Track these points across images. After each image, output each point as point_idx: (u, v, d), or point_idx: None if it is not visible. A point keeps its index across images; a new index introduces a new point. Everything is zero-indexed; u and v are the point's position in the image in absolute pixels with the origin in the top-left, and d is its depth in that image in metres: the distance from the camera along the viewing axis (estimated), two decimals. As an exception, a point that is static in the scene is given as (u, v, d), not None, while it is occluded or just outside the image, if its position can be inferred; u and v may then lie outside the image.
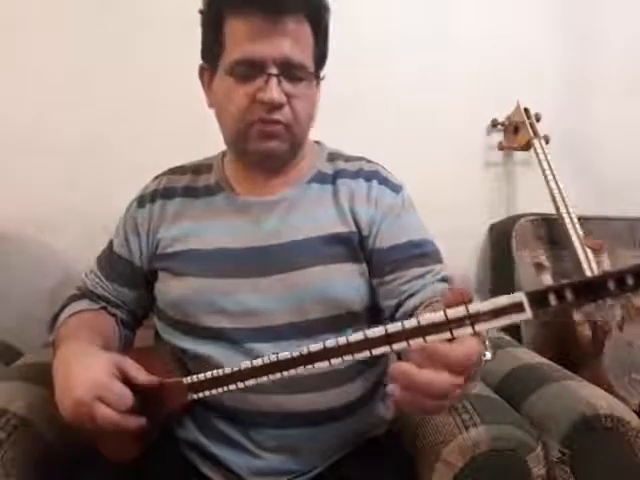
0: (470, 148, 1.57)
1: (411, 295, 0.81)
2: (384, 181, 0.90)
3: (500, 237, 1.51)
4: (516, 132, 1.51)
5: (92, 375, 0.70)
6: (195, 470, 0.85)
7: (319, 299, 0.82)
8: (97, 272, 0.95)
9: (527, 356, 1.14)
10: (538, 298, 0.48)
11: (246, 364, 0.65)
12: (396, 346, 0.54)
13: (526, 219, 1.46)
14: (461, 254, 1.57)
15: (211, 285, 0.83)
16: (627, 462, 0.86)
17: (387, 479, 0.85)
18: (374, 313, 0.87)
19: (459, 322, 0.51)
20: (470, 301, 0.51)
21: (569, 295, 0.47)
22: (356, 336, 0.56)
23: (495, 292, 1.56)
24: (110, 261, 0.95)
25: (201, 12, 0.82)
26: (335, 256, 0.84)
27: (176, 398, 0.75)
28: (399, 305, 0.82)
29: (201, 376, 0.71)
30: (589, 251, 1.29)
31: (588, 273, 1.27)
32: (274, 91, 0.76)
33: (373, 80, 1.48)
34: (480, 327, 0.50)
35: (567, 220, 1.34)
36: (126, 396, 0.71)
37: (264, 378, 0.64)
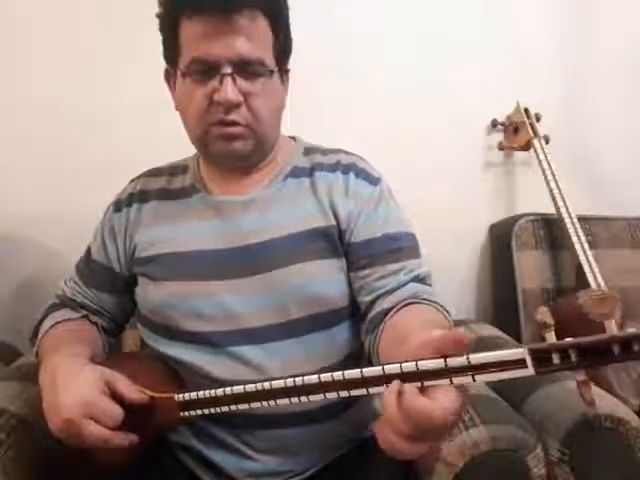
0: (470, 148, 1.57)
1: (385, 293, 0.79)
2: (361, 173, 0.88)
3: (500, 237, 1.51)
4: (516, 132, 1.51)
5: (80, 392, 0.69)
6: (190, 473, 0.85)
7: (301, 298, 0.81)
8: (76, 279, 0.94)
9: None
10: (541, 355, 0.47)
11: (238, 388, 0.65)
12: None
13: (526, 219, 1.46)
14: (461, 254, 1.57)
15: (190, 288, 0.82)
16: (627, 462, 0.86)
17: (385, 479, 0.85)
18: (357, 307, 0.86)
19: (459, 371, 0.50)
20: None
21: (573, 356, 0.46)
22: (353, 373, 0.56)
23: (496, 292, 1.57)
24: (89, 267, 0.93)
25: (158, 16, 0.80)
26: (316, 252, 0.82)
27: (166, 414, 0.74)
28: (373, 302, 0.80)
29: (193, 395, 0.70)
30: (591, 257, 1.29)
31: (588, 274, 1.27)
32: (229, 91, 0.75)
33: (373, 80, 1.48)
34: (480, 378, 0.49)
35: (567, 220, 1.34)
36: (116, 413, 0.70)
37: (257, 404, 0.63)
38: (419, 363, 0.51)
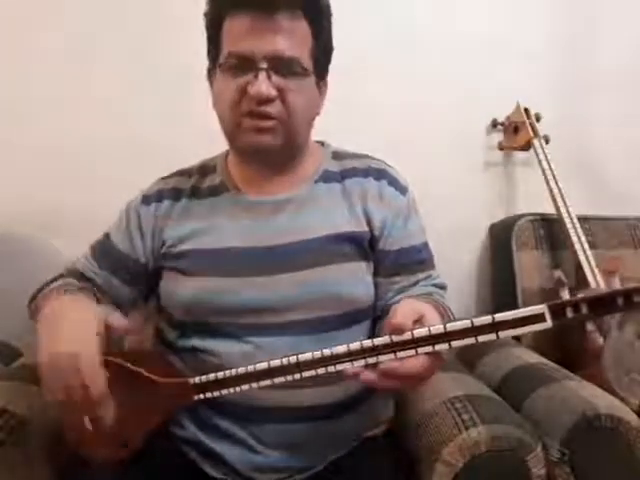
0: (470, 148, 1.57)
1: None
2: (393, 182, 0.91)
3: (500, 237, 1.51)
4: (516, 132, 1.51)
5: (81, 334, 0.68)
6: (194, 466, 0.85)
7: (328, 298, 0.83)
8: (90, 259, 0.94)
9: (527, 356, 1.14)
10: (557, 310, 0.56)
11: (251, 368, 0.67)
12: (421, 350, 0.60)
13: (526, 219, 1.46)
14: (461, 254, 1.57)
15: (219, 284, 0.83)
16: (627, 462, 0.86)
17: (386, 478, 0.85)
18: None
19: (484, 329, 0.57)
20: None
21: (584, 308, 0.54)
22: (382, 340, 0.62)
23: (495, 292, 1.56)
24: (106, 252, 0.93)
25: (205, 15, 0.83)
26: (346, 255, 0.85)
27: (181, 398, 0.75)
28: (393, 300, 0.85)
29: (211, 376, 0.72)
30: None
31: (588, 274, 1.27)
32: (262, 85, 0.76)
33: (373, 80, 1.48)
34: (503, 334, 0.57)
35: (567, 220, 1.33)
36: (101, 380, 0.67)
37: (267, 382, 0.67)
38: (447, 325, 0.59)
